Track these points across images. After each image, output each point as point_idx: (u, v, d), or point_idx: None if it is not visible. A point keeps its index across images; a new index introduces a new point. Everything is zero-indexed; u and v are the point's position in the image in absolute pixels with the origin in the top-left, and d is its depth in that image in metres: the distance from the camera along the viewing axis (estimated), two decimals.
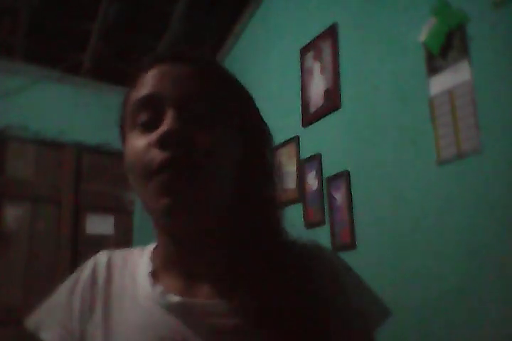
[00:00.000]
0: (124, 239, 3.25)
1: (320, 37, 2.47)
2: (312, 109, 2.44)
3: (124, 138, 0.64)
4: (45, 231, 3.08)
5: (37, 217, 3.09)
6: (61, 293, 0.65)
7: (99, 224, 3.24)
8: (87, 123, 3.30)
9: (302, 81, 2.54)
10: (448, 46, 1.77)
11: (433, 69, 1.82)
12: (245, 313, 0.56)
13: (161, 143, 0.55)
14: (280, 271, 0.59)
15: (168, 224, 0.60)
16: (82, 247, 3.10)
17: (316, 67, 2.48)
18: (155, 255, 0.66)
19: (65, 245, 3.08)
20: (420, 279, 1.77)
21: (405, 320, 1.76)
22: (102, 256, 0.68)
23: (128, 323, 0.59)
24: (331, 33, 2.39)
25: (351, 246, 2.07)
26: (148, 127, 0.58)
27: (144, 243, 0.72)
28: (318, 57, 2.47)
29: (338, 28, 2.37)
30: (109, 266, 0.66)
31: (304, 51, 2.58)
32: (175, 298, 0.59)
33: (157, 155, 0.55)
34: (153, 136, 0.56)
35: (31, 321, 0.64)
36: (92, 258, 0.68)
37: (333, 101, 2.32)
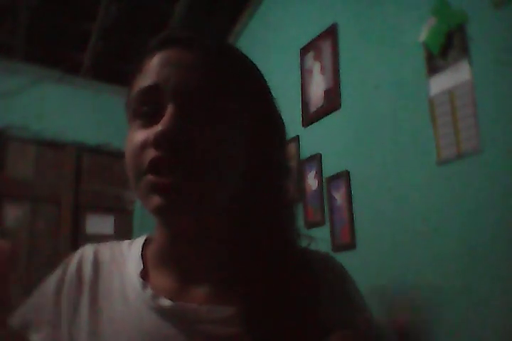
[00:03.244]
0: (124, 239, 3.24)
1: (320, 37, 2.47)
2: (312, 109, 2.44)
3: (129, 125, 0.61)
4: (45, 231, 3.08)
5: (37, 217, 3.09)
6: (47, 290, 0.61)
7: (99, 224, 3.24)
8: (87, 123, 3.30)
9: (302, 81, 2.54)
10: (448, 46, 1.77)
11: (433, 69, 1.82)
12: (243, 322, 0.53)
13: (155, 143, 0.52)
14: (285, 278, 0.55)
15: (163, 222, 0.58)
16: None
17: (316, 67, 2.48)
18: (147, 251, 0.63)
19: (65, 245, 3.08)
20: (420, 279, 1.77)
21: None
22: (87, 251, 0.64)
23: (117, 326, 0.56)
24: (331, 33, 2.39)
25: (351, 246, 2.07)
26: (148, 120, 0.55)
27: None
28: (318, 57, 2.47)
29: (338, 28, 2.37)
30: (95, 261, 0.62)
31: (303, 51, 2.58)
32: (167, 302, 0.56)
33: (150, 154, 0.53)
34: (151, 133, 0.53)
35: (16, 319, 0.60)
36: (77, 252, 0.65)
37: (333, 101, 2.32)
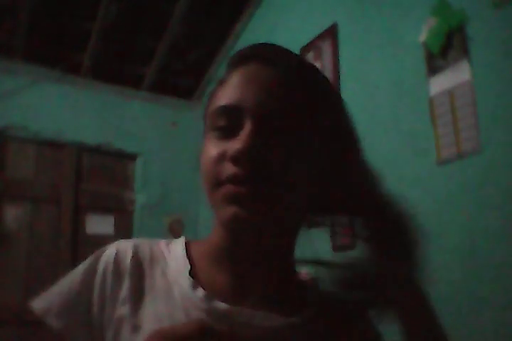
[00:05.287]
0: (124, 239, 3.25)
1: (320, 37, 2.47)
2: None
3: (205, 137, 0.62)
4: (45, 231, 3.08)
5: (37, 217, 3.09)
6: (79, 284, 0.60)
7: (99, 224, 3.24)
8: (87, 123, 3.30)
9: None
10: (448, 46, 1.77)
11: (433, 69, 1.82)
12: (304, 332, 0.55)
13: (234, 160, 0.53)
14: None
15: (232, 232, 0.58)
16: (82, 247, 3.10)
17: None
18: (192, 252, 0.63)
19: (65, 245, 3.08)
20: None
21: None
22: (125, 245, 0.63)
23: (162, 324, 0.54)
24: (331, 33, 2.39)
25: (351, 246, 2.06)
26: (225, 134, 0.56)
27: None
28: (318, 57, 2.47)
29: (338, 28, 2.37)
30: (136, 256, 0.61)
31: (303, 51, 2.58)
32: (222, 305, 0.55)
33: (228, 169, 0.54)
34: (229, 147, 0.54)
35: (43, 308, 0.59)
36: (110, 245, 0.63)
37: None
